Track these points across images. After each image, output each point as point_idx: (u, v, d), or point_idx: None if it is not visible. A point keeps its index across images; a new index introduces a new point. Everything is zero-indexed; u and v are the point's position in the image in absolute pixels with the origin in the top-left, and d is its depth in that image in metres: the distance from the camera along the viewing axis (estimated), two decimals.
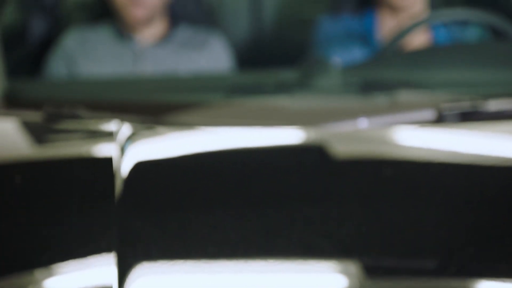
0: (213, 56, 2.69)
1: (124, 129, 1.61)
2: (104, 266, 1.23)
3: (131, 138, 1.58)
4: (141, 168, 1.50)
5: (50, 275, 1.24)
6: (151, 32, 2.66)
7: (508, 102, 1.73)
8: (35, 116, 1.69)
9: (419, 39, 2.61)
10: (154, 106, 1.86)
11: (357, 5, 2.89)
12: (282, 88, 1.95)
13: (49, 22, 3.00)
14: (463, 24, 2.70)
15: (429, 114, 1.69)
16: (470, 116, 1.69)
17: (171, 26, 2.70)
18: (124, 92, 2.00)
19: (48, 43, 2.66)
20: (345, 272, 1.22)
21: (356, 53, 2.70)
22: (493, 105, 1.70)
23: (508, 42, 2.26)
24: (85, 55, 2.60)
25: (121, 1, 2.54)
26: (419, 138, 1.66)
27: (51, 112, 1.66)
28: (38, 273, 1.23)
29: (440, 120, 1.67)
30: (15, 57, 2.69)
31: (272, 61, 3.55)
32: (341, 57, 2.66)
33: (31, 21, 2.94)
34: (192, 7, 2.88)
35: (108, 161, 1.49)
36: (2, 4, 2.21)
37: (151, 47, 2.65)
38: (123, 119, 1.65)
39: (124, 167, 1.47)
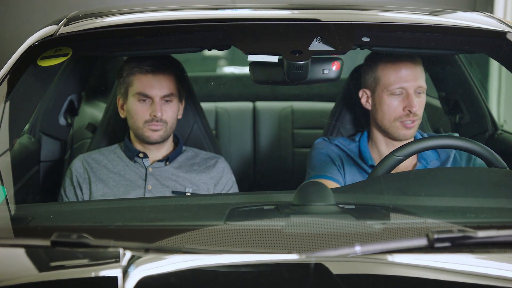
0: (216, 178, 2.77)
1: (127, 254, 1.67)
2: None
3: (134, 263, 1.63)
4: None
5: None
6: (159, 153, 2.80)
7: (497, 230, 1.75)
8: (43, 242, 1.74)
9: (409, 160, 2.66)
10: (157, 231, 1.92)
11: (351, 128, 2.96)
12: (278, 212, 1.99)
13: (58, 147, 3.09)
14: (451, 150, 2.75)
15: (420, 241, 1.71)
16: (460, 244, 1.71)
17: (177, 148, 2.83)
18: (127, 218, 2.06)
19: (57, 167, 2.72)
20: None
21: (351, 175, 2.74)
22: (483, 233, 1.72)
23: (497, 169, 2.30)
24: (94, 177, 2.68)
25: (138, 125, 2.70)
26: (410, 264, 1.70)
27: (58, 238, 1.70)
28: None
29: (431, 247, 1.70)
30: (24, 182, 2.76)
31: (269, 184, 3.63)
32: (336, 178, 2.71)
33: (40, 149, 3.03)
34: (199, 133, 3.01)
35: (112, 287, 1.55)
36: (14, 135, 2.28)
37: (158, 167, 2.76)
38: (126, 245, 1.71)
39: None
